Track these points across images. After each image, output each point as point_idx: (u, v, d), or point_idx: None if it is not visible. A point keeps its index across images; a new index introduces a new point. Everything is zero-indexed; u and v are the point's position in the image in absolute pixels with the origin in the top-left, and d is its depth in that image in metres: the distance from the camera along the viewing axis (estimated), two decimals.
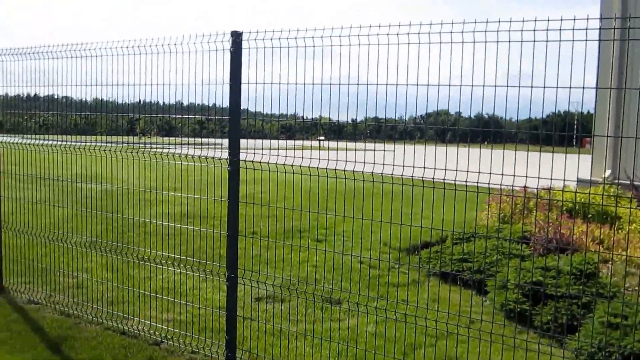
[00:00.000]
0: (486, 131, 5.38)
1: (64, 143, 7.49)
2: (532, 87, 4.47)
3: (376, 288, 8.13)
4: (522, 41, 4.46)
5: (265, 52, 5.50)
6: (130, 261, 7.37)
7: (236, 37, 5.59)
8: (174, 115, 6.99)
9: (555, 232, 8.82)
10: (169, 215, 10.72)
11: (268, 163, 5.66)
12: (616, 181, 13.22)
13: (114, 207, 7.92)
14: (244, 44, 5.61)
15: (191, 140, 7.70)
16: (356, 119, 6.04)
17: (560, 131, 5.04)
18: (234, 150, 5.67)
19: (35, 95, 7.94)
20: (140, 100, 6.79)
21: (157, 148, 7.33)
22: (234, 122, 5.66)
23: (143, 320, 6.81)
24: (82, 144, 7.41)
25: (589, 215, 10.23)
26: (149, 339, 6.53)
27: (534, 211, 10.17)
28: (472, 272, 8.28)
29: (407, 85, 4.89)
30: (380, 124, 6.05)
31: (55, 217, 7.94)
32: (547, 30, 4.35)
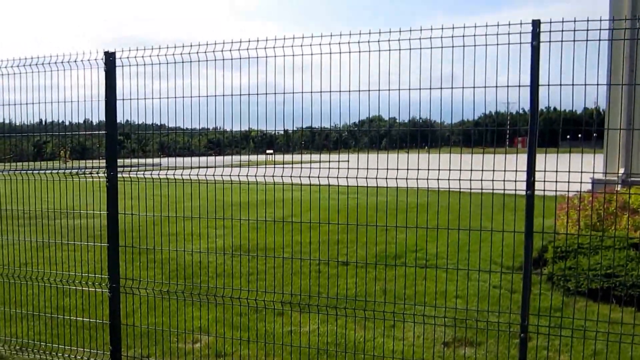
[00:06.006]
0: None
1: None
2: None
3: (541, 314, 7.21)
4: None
5: None
6: (234, 307, 6.16)
7: None
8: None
9: None
10: (217, 249, 9.22)
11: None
12: (630, 179, 13.20)
13: (137, 243, 6.50)
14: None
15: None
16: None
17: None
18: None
19: None
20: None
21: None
22: None
23: None
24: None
25: None
26: None
27: (619, 215, 9.71)
28: (627, 287, 7.56)
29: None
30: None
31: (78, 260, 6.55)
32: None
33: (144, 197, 6.01)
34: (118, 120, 5.99)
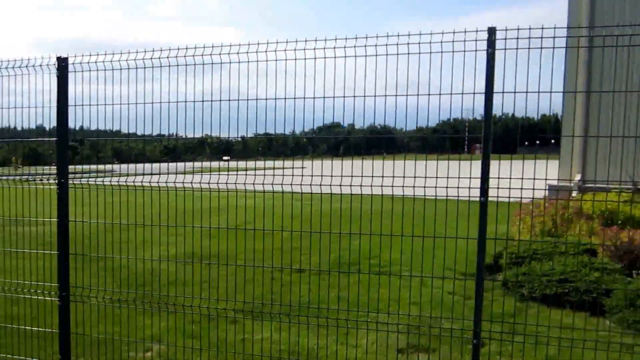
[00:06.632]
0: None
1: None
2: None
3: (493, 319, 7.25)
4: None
5: None
6: (186, 315, 6.17)
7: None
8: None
9: (630, 242, 8.48)
10: (170, 256, 9.07)
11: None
12: (584, 185, 13.42)
13: (88, 250, 6.44)
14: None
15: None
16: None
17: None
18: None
19: None
20: None
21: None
22: None
23: None
24: None
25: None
26: None
27: (574, 221, 9.83)
28: (580, 292, 7.66)
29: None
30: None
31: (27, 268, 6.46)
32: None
33: (96, 204, 5.89)
34: (72, 126, 5.87)
